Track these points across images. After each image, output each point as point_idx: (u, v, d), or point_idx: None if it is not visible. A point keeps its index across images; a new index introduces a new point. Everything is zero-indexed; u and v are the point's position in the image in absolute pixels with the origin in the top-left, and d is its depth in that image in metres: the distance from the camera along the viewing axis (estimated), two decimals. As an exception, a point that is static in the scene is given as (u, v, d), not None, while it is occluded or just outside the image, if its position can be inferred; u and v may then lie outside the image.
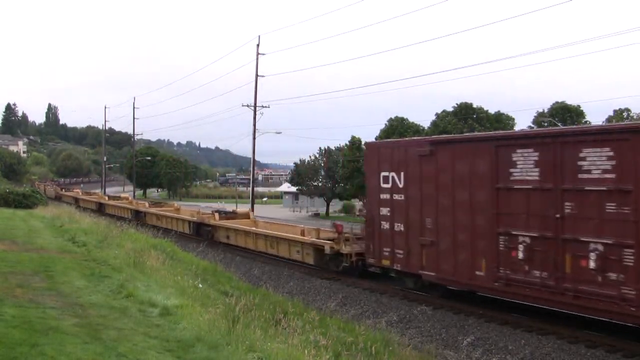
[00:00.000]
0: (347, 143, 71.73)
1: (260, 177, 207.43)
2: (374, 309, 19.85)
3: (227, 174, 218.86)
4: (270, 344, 8.71)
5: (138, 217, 45.26)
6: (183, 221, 38.08)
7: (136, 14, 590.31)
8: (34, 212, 33.91)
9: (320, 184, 77.52)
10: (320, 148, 79.44)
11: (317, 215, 76.93)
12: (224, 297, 14.55)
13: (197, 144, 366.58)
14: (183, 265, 19.71)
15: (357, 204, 78.75)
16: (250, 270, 27.57)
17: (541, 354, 14.73)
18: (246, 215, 35.15)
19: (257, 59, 50.46)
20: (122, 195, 66.34)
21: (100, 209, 55.89)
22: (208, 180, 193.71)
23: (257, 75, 50.75)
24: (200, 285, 15.01)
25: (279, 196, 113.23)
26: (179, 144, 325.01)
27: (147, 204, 48.15)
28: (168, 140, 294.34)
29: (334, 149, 77.86)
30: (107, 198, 60.83)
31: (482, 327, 17.01)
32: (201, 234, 34.84)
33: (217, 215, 34.20)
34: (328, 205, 78.42)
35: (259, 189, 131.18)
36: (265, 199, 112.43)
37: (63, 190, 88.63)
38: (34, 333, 7.36)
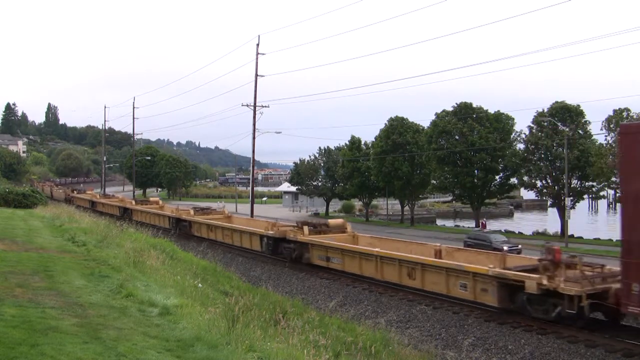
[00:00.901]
0: (347, 143, 71.74)
1: (260, 177, 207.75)
2: (374, 308, 19.86)
3: (226, 174, 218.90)
4: (270, 344, 8.71)
5: (179, 227, 38.64)
6: (251, 234, 31.20)
7: (136, 14, 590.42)
8: (34, 211, 33.86)
9: (320, 184, 77.54)
10: (319, 148, 79.58)
11: (316, 214, 76.94)
12: (224, 296, 14.56)
13: (197, 144, 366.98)
14: (183, 265, 19.72)
15: (357, 203, 78.87)
16: (250, 270, 27.59)
17: (541, 353, 14.73)
18: (341, 228, 28.36)
19: (257, 58, 50.45)
20: (152, 198, 57.02)
21: (125, 215, 47.56)
22: (207, 180, 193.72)
23: (256, 75, 50.74)
24: (200, 285, 15.01)
25: (278, 196, 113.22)
26: (178, 143, 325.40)
27: (191, 211, 39.50)
28: (168, 140, 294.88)
29: (333, 148, 77.90)
30: (133, 202, 51.68)
31: (481, 327, 17.01)
32: (281, 252, 28.31)
33: (306, 228, 27.32)
34: (328, 204, 78.44)
35: (259, 189, 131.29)
36: (265, 198, 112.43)
37: (75, 192, 76.71)
38: (33, 333, 7.36)
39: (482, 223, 52.66)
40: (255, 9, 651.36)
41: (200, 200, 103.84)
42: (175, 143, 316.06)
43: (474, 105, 55.33)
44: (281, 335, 10.13)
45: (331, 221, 29.70)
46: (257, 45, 50.42)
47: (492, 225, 66.80)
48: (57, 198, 75.87)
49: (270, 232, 28.57)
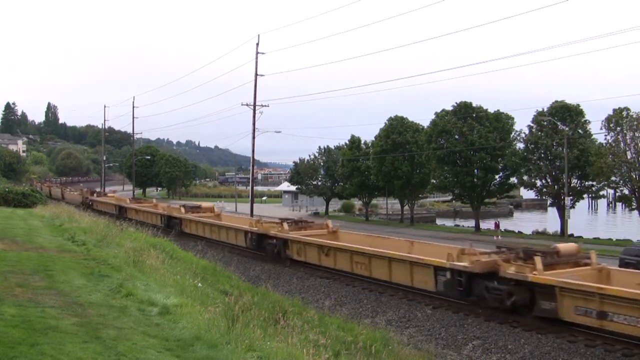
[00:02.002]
0: (347, 142, 71.79)
1: (259, 176, 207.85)
2: (374, 307, 19.85)
3: (226, 173, 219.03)
4: (270, 343, 8.71)
5: (266, 246, 28.48)
6: (413, 265, 20.61)
7: (136, 13, 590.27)
8: (34, 211, 33.86)
9: (319, 183, 77.58)
10: (319, 147, 79.63)
11: (316, 214, 76.98)
12: (224, 296, 14.55)
13: (197, 143, 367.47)
14: (183, 265, 19.71)
15: (357, 203, 78.86)
16: (249, 270, 27.55)
17: (541, 352, 14.73)
18: (576, 256, 18.64)
19: (257, 58, 50.48)
20: (204, 204, 42.39)
21: (169, 226, 38.52)
22: (207, 180, 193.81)
23: (256, 75, 50.77)
24: (200, 285, 15.01)
25: (278, 195, 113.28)
26: (178, 143, 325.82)
27: (285, 225, 28.42)
28: (167, 139, 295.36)
29: (333, 148, 77.94)
30: (183, 210, 39.18)
31: (481, 327, 17.00)
32: (480, 294, 18.24)
33: (539, 260, 17.14)
34: (327, 204, 78.48)
35: (259, 188, 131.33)
36: (264, 198, 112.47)
37: (94, 195, 62.14)
38: (33, 332, 7.36)
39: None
40: (255, 9, 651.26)
41: (200, 200, 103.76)
42: (175, 142, 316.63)
43: (474, 105, 55.27)
44: (281, 335, 10.13)
45: (562, 246, 19.30)
46: (257, 44, 50.48)
47: (492, 225, 66.73)
48: (70, 201, 61.92)
49: (459, 264, 18.77)
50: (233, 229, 32.75)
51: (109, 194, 63.80)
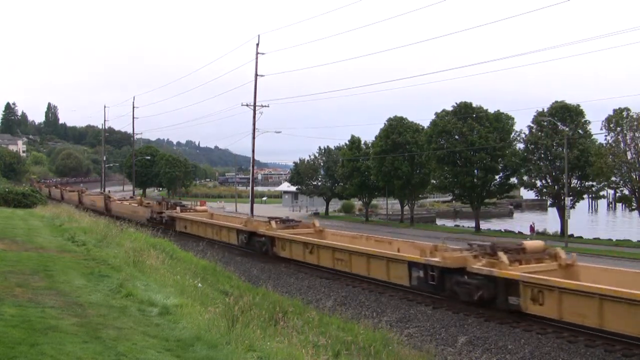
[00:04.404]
0: (347, 142, 71.77)
1: (259, 177, 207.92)
2: (374, 308, 19.84)
3: (226, 173, 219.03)
4: (270, 343, 8.70)
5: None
6: None
7: (136, 14, 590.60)
8: (34, 211, 33.87)
9: (319, 184, 77.54)
10: (319, 147, 79.61)
11: (316, 214, 76.94)
12: (224, 296, 14.55)
13: (197, 144, 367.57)
14: (183, 265, 19.71)
15: (357, 203, 78.80)
16: (249, 270, 27.55)
17: (541, 353, 14.71)
18: None
19: (257, 58, 50.51)
20: (363, 236, 26.76)
21: (427, 287, 19.63)
22: (207, 180, 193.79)
23: (256, 75, 50.79)
24: (200, 285, 15.00)
25: (278, 195, 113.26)
26: (178, 143, 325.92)
27: (178, 209, 32.26)
28: (168, 139, 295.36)
29: (333, 148, 77.91)
30: (434, 249, 19.88)
31: (481, 327, 17.00)
32: None
33: None
34: (327, 204, 78.45)
35: (259, 188, 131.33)
36: (265, 198, 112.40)
37: (177, 208, 40.04)
38: (33, 332, 7.35)
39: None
40: (255, 9, 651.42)
41: (200, 200, 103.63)
42: (175, 143, 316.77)
43: (474, 105, 55.24)
44: (281, 335, 10.13)
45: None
46: (257, 45, 50.54)
47: (492, 225, 66.70)
48: (126, 216, 40.71)
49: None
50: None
51: (197, 207, 43.41)
